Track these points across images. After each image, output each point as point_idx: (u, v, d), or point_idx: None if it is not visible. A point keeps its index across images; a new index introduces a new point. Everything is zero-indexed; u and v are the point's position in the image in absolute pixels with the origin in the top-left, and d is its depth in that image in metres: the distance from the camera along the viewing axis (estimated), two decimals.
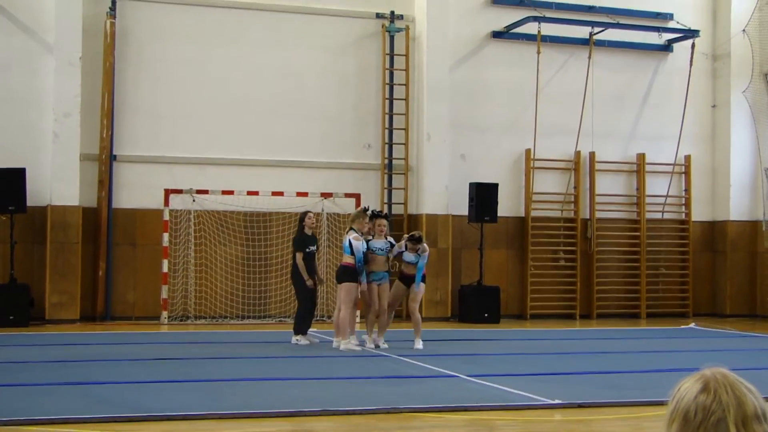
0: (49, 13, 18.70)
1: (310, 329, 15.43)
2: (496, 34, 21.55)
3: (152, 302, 19.16)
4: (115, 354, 13.56)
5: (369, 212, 14.60)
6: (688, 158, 22.74)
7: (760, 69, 22.29)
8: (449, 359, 13.28)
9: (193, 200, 19.39)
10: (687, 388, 2.54)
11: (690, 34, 22.33)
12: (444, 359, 13.22)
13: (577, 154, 21.81)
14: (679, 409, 2.53)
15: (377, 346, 14.38)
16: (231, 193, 19.38)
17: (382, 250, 14.42)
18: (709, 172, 23.07)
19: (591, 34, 21.78)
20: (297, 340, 15.00)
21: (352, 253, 14.13)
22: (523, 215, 21.56)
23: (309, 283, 14.92)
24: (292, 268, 15.43)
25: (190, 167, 19.62)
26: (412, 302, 14.65)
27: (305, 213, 15.53)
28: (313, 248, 15.28)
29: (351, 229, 14.33)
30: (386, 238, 14.56)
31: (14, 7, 18.78)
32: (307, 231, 15.25)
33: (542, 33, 21.06)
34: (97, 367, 12.09)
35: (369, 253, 14.25)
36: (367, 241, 14.31)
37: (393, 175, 20.76)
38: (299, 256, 15.02)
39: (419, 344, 14.36)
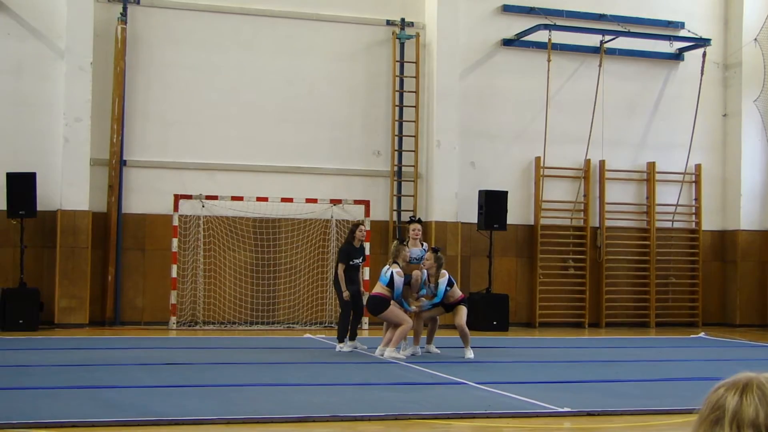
0: (60, 18, 18.76)
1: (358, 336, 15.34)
2: (507, 42, 21.55)
3: (161, 307, 19.18)
4: (123, 358, 13.57)
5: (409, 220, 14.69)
6: (698, 167, 22.69)
7: None
8: (458, 366, 13.26)
9: (203, 206, 19.41)
10: (720, 395, 2.52)
11: (701, 42, 22.29)
12: (452, 366, 13.20)
13: (587, 162, 21.79)
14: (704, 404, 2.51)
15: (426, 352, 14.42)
16: (240, 199, 19.40)
17: (417, 259, 14.40)
18: (720, 182, 23.02)
19: (602, 42, 21.76)
20: (340, 347, 14.88)
21: (389, 285, 14.05)
22: (533, 223, 21.53)
23: (345, 295, 14.79)
24: (335, 276, 15.30)
25: (200, 173, 19.65)
26: (459, 321, 14.35)
27: (357, 225, 15.29)
28: (357, 261, 15.08)
29: (395, 262, 14.19)
30: (422, 245, 14.57)
31: (26, 12, 18.85)
32: (356, 243, 15.12)
33: (553, 41, 21.05)
34: (105, 372, 12.10)
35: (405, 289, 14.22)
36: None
37: (402, 182, 20.76)
38: (341, 267, 14.90)
39: (470, 353, 14.24)
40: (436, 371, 12.60)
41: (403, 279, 14.05)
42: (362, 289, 15.48)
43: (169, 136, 19.61)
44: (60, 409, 9.10)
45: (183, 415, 8.91)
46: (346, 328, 14.99)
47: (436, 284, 14.29)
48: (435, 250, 14.62)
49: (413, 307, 14.29)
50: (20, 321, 17.51)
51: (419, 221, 15.09)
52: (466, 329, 14.43)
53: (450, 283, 14.41)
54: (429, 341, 14.79)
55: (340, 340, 14.92)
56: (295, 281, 19.80)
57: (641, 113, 22.55)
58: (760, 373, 2.53)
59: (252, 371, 12.63)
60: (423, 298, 14.46)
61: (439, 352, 14.67)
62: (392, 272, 13.97)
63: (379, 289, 14.13)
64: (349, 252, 14.99)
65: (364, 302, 15.40)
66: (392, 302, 13.96)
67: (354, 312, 15.01)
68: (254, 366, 13.26)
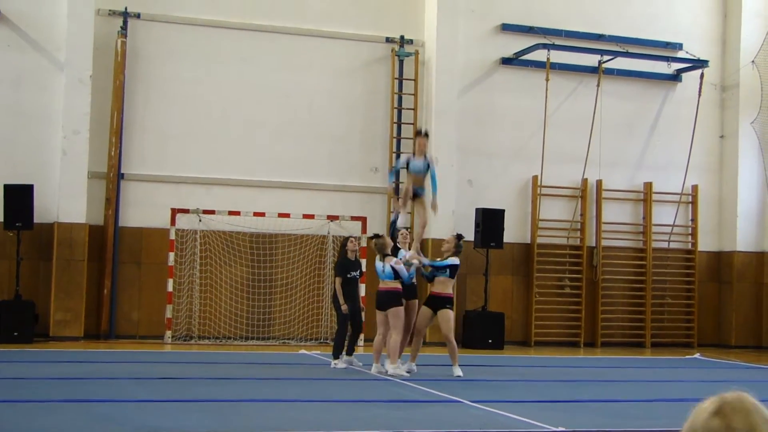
0: (60, 30, 18.79)
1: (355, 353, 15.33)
2: (505, 61, 21.61)
3: (156, 321, 19.17)
4: (118, 372, 13.55)
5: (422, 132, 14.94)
6: (695, 188, 22.73)
7: None
8: (453, 384, 13.25)
9: (200, 220, 19.41)
10: (703, 409, 2.53)
11: (699, 64, 22.36)
12: (447, 384, 13.19)
13: (584, 181, 21.82)
14: (691, 430, 2.52)
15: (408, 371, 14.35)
16: (237, 213, 19.40)
17: (420, 171, 14.53)
18: (716, 203, 23.05)
19: (600, 63, 21.83)
20: (335, 363, 14.81)
21: (395, 277, 14.06)
22: (529, 242, 21.54)
23: (344, 308, 14.79)
24: (333, 291, 15.29)
25: (197, 187, 19.66)
26: (445, 330, 14.27)
27: (347, 238, 15.42)
28: (355, 273, 15.08)
29: (385, 255, 14.21)
30: (425, 157, 14.61)
31: (26, 24, 18.88)
32: (350, 256, 15.13)
33: (551, 60, 21.11)
34: (100, 385, 12.08)
35: (408, 175, 14.57)
36: (408, 162, 14.59)
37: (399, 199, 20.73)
38: (338, 281, 14.91)
39: (458, 371, 14.11)
40: (431, 389, 12.58)
41: (402, 266, 14.08)
42: (361, 305, 15.45)
43: (167, 149, 19.62)
44: (54, 423, 9.09)
45: (177, 430, 8.89)
46: (342, 345, 14.96)
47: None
48: (458, 236, 14.69)
49: (415, 261, 14.34)
50: (15, 333, 17.47)
51: (426, 135, 15.00)
52: (454, 343, 14.33)
53: (453, 269, 14.37)
54: (412, 359, 14.65)
55: (336, 356, 14.89)
56: (291, 297, 19.78)
57: (639, 133, 22.60)
58: (732, 393, 2.55)
59: (247, 387, 12.60)
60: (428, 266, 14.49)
61: (416, 370, 14.52)
62: (390, 266, 14.01)
63: (389, 284, 14.09)
64: (345, 265, 15.00)
65: (361, 309, 15.38)
66: (403, 308, 13.99)
67: (352, 328, 15.00)
68: (249, 381, 13.24)
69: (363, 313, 15.63)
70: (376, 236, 14.70)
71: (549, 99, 21.17)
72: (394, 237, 14.88)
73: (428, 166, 14.59)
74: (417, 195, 14.77)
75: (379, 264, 14.24)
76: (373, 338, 14.54)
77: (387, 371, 13.93)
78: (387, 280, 14.09)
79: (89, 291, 18.75)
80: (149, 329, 19.23)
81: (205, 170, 19.75)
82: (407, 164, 14.68)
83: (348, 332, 15.07)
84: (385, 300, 14.09)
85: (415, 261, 14.41)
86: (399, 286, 14.06)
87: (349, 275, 14.94)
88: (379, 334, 14.38)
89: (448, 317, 14.25)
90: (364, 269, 16.77)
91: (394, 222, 15.39)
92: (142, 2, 19.55)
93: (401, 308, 14.00)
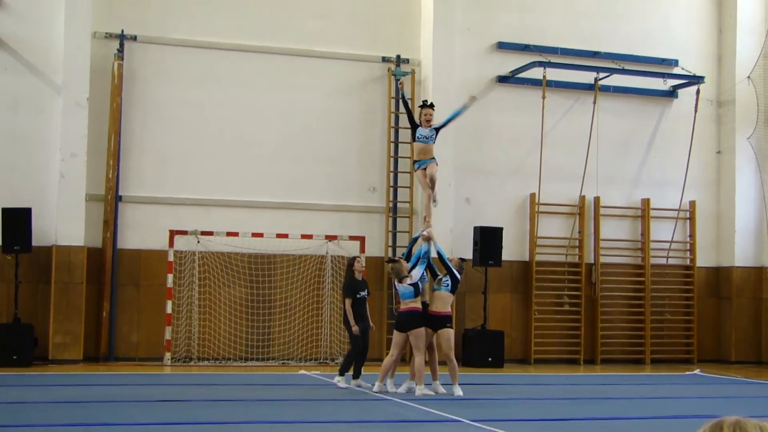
0: (57, 53, 18.83)
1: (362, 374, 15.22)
2: (502, 79, 21.67)
3: (156, 343, 19.14)
4: (117, 395, 13.52)
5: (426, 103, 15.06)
6: (692, 204, 22.75)
7: (764, 116, 22.35)
8: (452, 403, 13.22)
9: (198, 241, 19.41)
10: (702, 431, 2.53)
11: (695, 80, 22.43)
12: (447, 403, 13.16)
13: (582, 198, 21.84)
14: None
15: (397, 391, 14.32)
16: (236, 234, 19.41)
17: (427, 138, 14.63)
18: (714, 218, 23.07)
19: (596, 80, 21.88)
20: (337, 380, 14.76)
21: (416, 296, 14.07)
22: (528, 259, 21.54)
23: (355, 329, 14.76)
24: (344, 313, 15.21)
25: (196, 208, 19.66)
26: (446, 349, 14.28)
27: (354, 258, 15.42)
28: (363, 293, 15.07)
29: (403, 278, 14.21)
30: (431, 126, 14.74)
31: (23, 47, 18.92)
32: (357, 276, 15.12)
33: (547, 78, 21.16)
34: (99, 409, 12.05)
35: (416, 144, 14.72)
36: (416, 126, 14.72)
37: (398, 218, 20.79)
38: (348, 302, 14.87)
39: (459, 390, 14.09)
40: (431, 408, 12.56)
41: (419, 273, 14.16)
42: (371, 324, 15.41)
43: (165, 171, 19.64)
44: None
45: None
46: (350, 365, 14.92)
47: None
48: (461, 259, 15.02)
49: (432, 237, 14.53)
50: (14, 357, 17.44)
51: (431, 106, 15.02)
52: (455, 361, 14.35)
53: (455, 282, 14.37)
54: (435, 377, 14.63)
55: (341, 373, 14.85)
56: (290, 317, 19.77)
57: (636, 150, 22.64)
58: (731, 416, 2.56)
59: (247, 408, 12.58)
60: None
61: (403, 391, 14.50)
62: (410, 283, 14.05)
63: (410, 304, 14.10)
64: (353, 286, 14.98)
65: (370, 328, 15.31)
66: (424, 329, 14.06)
67: (361, 349, 14.93)
68: (249, 403, 13.21)
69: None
70: (392, 260, 14.83)
71: (546, 116, 21.22)
72: (409, 253, 14.88)
73: (435, 134, 14.76)
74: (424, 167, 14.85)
75: (399, 286, 14.26)
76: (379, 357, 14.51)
77: (415, 392, 14.01)
78: (407, 299, 14.09)
79: (88, 314, 18.73)
80: (148, 351, 19.19)
81: (203, 192, 19.77)
82: (414, 134, 14.73)
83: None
84: (407, 321, 14.11)
85: (433, 237, 14.52)
86: (419, 306, 14.08)
87: (358, 295, 14.93)
88: (390, 355, 14.39)
89: (448, 336, 14.29)
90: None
91: (415, 239, 15.30)
92: (139, 25, 19.60)
93: (422, 329, 14.03)
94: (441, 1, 20.90)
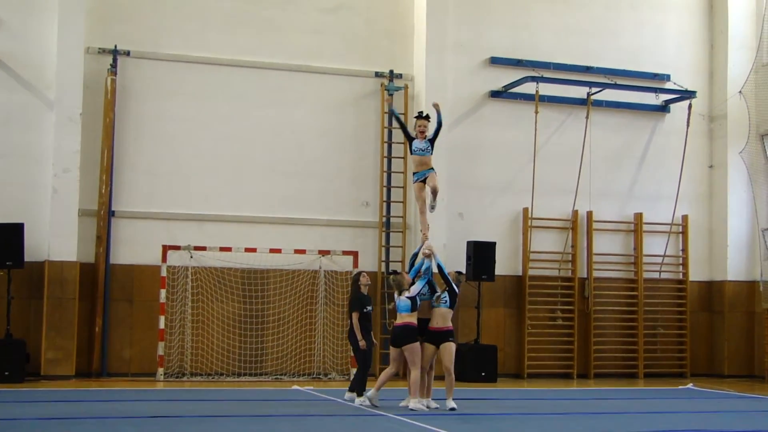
0: (50, 69, 18.83)
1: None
2: (494, 94, 21.71)
3: (148, 359, 19.10)
4: (110, 411, 13.47)
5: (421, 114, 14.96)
6: (685, 218, 22.80)
7: (756, 130, 22.40)
8: (446, 419, 13.20)
9: (191, 257, 19.39)
10: None
11: (687, 95, 22.51)
12: (441, 419, 13.13)
13: (575, 213, 21.87)
14: None
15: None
16: (229, 249, 19.40)
17: (423, 150, 14.61)
18: (707, 232, 23.12)
19: (589, 95, 21.94)
20: (360, 401, 14.57)
21: (412, 310, 14.08)
22: (521, 274, 21.55)
23: (362, 344, 14.71)
24: (349, 328, 15.10)
25: (189, 224, 19.65)
26: (447, 362, 14.27)
27: (359, 273, 15.30)
28: (369, 308, 15.03)
29: (403, 290, 14.22)
30: (426, 138, 14.67)
31: (16, 63, 18.91)
32: (363, 290, 15.08)
33: (540, 93, 21.21)
34: (92, 425, 12.00)
35: (413, 157, 14.71)
36: (412, 140, 14.68)
37: (391, 233, 20.79)
38: (356, 316, 14.78)
39: (452, 403, 14.10)
40: (425, 424, 12.53)
41: (418, 288, 14.11)
42: (374, 341, 15.36)
43: (158, 187, 19.63)
44: None
45: None
46: (365, 380, 14.85)
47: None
48: (459, 273, 15.04)
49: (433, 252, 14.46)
50: (6, 373, 17.40)
51: (427, 117, 14.98)
52: (453, 375, 14.37)
53: (453, 297, 14.38)
54: (428, 394, 14.59)
55: (359, 393, 14.73)
56: (283, 332, 19.74)
57: (628, 165, 22.69)
58: None
59: (239, 424, 12.53)
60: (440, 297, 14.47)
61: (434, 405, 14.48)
62: (407, 297, 14.03)
63: (406, 318, 14.07)
64: (360, 300, 14.92)
65: (373, 344, 15.27)
66: (419, 344, 14.00)
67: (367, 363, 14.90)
68: (242, 419, 13.16)
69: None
70: (394, 272, 14.83)
71: (538, 131, 21.27)
72: (411, 265, 14.88)
73: (431, 146, 14.71)
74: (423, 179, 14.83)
75: (397, 299, 14.26)
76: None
77: (407, 405, 13.99)
78: (403, 313, 14.08)
79: (80, 329, 18.69)
80: (141, 367, 19.15)
81: (196, 207, 19.76)
82: (411, 147, 14.75)
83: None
84: (401, 336, 14.09)
85: (433, 251, 14.50)
86: (414, 321, 14.06)
87: (365, 310, 14.90)
88: (391, 368, 14.39)
89: (450, 350, 14.33)
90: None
91: (416, 253, 15.23)
92: (132, 40, 19.62)
93: (417, 344, 14.01)
94: (434, 17, 20.95)
